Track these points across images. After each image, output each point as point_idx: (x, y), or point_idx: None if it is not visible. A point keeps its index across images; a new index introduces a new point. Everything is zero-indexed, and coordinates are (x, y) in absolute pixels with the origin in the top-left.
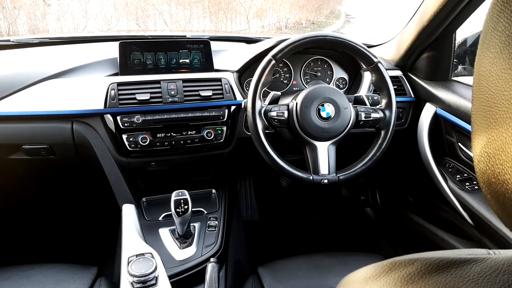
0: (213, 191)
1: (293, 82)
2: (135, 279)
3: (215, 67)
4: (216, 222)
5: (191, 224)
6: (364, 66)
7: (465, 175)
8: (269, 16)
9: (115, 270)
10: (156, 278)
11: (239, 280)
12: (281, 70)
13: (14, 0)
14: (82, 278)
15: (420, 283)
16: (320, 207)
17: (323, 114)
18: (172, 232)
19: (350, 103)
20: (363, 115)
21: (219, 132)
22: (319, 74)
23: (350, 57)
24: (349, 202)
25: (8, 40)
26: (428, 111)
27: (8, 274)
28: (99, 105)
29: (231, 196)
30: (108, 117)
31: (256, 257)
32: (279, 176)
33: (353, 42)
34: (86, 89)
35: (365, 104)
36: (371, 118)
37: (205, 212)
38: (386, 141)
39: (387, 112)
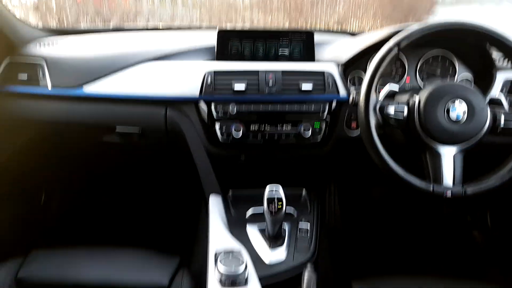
0: (304, 191)
1: (406, 80)
2: (224, 277)
3: (317, 58)
4: (308, 226)
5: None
6: (498, 66)
7: None
8: (350, 24)
9: (196, 262)
10: (246, 279)
11: None
12: (393, 65)
13: (111, 4)
14: (164, 267)
15: None
16: (417, 223)
17: (453, 115)
18: (262, 231)
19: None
20: (502, 119)
21: (317, 129)
22: (438, 72)
23: (480, 53)
24: (452, 221)
25: (109, 28)
26: None
27: (92, 253)
28: (194, 92)
29: (322, 200)
30: (203, 105)
31: (346, 268)
32: (371, 185)
33: (501, 34)
34: (182, 74)
35: (504, 107)
36: None
37: (296, 213)
38: None
39: None
